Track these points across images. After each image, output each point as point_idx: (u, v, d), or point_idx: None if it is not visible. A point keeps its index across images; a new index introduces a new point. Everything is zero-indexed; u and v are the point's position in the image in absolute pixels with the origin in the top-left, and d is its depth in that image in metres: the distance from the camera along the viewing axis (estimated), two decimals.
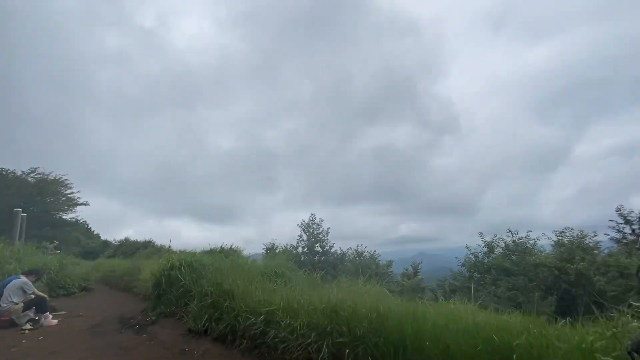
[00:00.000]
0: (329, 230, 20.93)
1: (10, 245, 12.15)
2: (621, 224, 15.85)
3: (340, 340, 4.06)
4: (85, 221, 35.87)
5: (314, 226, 20.92)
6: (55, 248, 16.36)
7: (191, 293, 6.45)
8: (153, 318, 6.79)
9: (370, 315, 4.31)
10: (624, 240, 15.52)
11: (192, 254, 8.06)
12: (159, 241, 24.55)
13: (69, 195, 31.91)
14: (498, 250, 14.32)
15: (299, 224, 21.37)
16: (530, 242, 14.20)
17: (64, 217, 33.01)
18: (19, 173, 29.42)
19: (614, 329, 3.56)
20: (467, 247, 15.96)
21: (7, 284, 7.04)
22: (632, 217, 15.52)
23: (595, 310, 4.44)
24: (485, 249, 15.53)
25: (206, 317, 5.63)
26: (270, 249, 19.99)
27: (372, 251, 19.90)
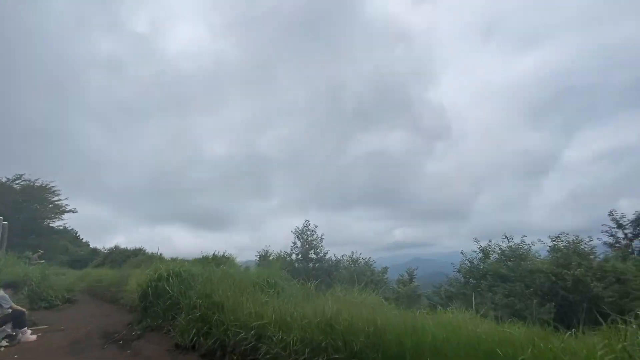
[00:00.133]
0: (324, 237, 20.67)
1: None
2: (614, 228, 15.96)
3: (336, 356, 3.83)
4: (73, 229, 34.98)
5: (308, 232, 20.63)
6: (40, 257, 15.78)
7: (179, 305, 6.14)
8: (138, 332, 6.45)
9: (368, 329, 4.09)
10: (617, 245, 15.60)
11: (181, 263, 7.74)
12: (150, 249, 23.95)
13: (56, 202, 31.13)
14: (494, 256, 14.22)
15: (293, 230, 21.08)
16: (525, 247, 14.15)
17: (50, 224, 32.17)
18: (4, 180, 28.64)
19: (624, 342, 3.40)
20: (462, 253, 15.82)
21: None
22: (625, 221, 15.64)
23: (601, 320, 4.29)
24: (480, 255, 15.42)
25: (194, 331, 5.34)
26: (264, 256, 19.63)
27: (367, 258, 19.66)
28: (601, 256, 12.27)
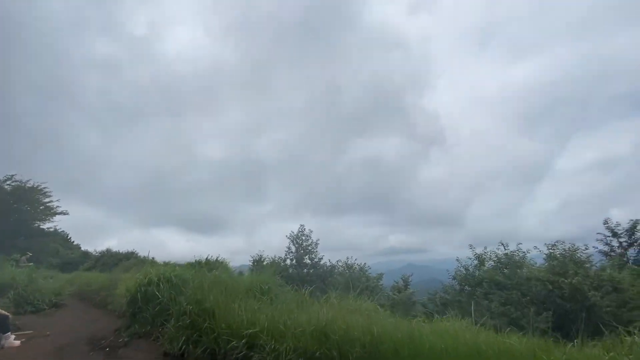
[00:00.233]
0: (319, 242, 20.47)
1: None
2: (609, 236, 16.00)
3: None
4: (63, 231, 34.37)
5: (303, 237, 20.41)
6: (28, 260, 15.41)
7: (169, 311, 5.93)
8: (126, 339, 6.23)
9: (364, 338, 3.95)
10: (613, 253, 15.62)
11: (172, 267, 7.52)
12: (143, 252, 23.55)
13: (47, 204, 30.61)
14: (490, 264, 14.12)
15: (288, 235, 20.86)
16: (521, 254, 14.07)
17: (41, 226, 31.58)
18: None
19: (629, 355, 3.29)
20: (457, 260, 15.70)
21: None
22: (619, 230, 15.68)
23: (604, 330, 4.19)
24: (475, 262, 15.31)
25: (183, 338, 5.14)
26: (258, 261, 19.38)
27: (362, 264, 19.49)
28: (597, 265, 12.24)
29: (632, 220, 15.42)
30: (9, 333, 6.64)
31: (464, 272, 15.25)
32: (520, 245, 14.38)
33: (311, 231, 20.64)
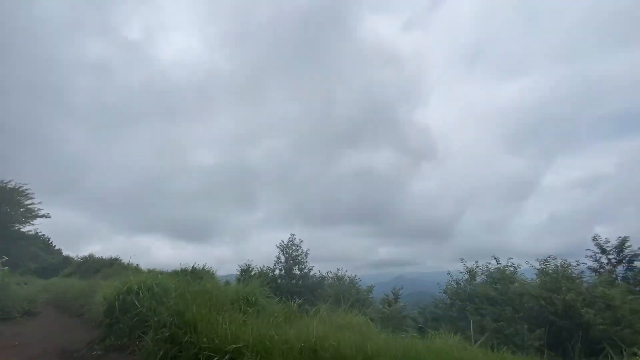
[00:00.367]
0: (309, 252, 20.08)
1: None
2: (598, 253, 16.01)
3: None
4: (44, 235, 33.20)
5: (293, 247, 20.00)
6: (3, 264, 14.66)
7: (147, 323, 5.54)
8: (99, 352, 5.79)
9: (356, 357, 3.68)
10: (602, 270, 15.62)
11: (154, 275, 7.12)
12: (127, 259, 22.82)
13: (28, 206, 29.56)
14: (482, 278, 13.98)
15: (278, 244, 20.43)
16: (511, 269, 13.99)
17: (21, 229, 30.43)
18: None
19: None
20: (449, 274, 15.55)
21: None
22: (609, 246, 15.72)
23: (610, 351, 4.03)
24: (466, 276, 15.17)
25: (162, 352, 4.77)
26: (246, 271, 18.88)
27: (353, 276, 19.16)
28: (588, 281, 12.18)
29: (620, 237, 15.51)
30: None
31: (455, 286, 15.09)
32: (511, 260, 14.34)
33: (301, 241, 20.28)
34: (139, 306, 5.90)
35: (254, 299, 6.15)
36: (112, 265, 21.55)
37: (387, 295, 17.99)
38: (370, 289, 19.24)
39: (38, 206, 30.15)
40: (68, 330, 8.14)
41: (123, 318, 6.07)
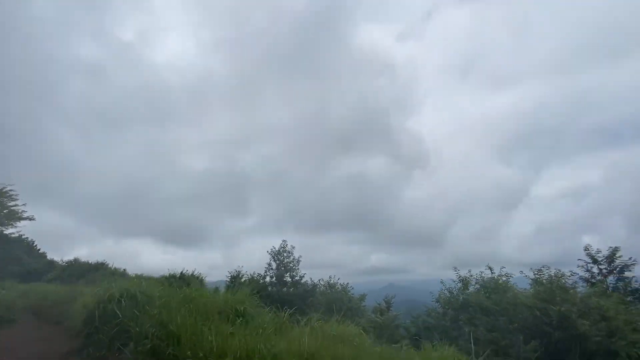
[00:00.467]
0: (300, 259, 19.76)
1: None
2: (590, 263, 16.09)
3: None
4: (28, 238, 32.20)
5: (285, 254, 19.66)
6: None
7: (129, 334, 5.22)
8: None
9: None
10: (593, 280, 15.68)
11: (138, 282, 6.78)
12: (115, 264, 22.26)
13: (12, 208, 28.65)
14: (476, 287, 13.84)
15: (269, 250, 20.07)
16: (504, 278, 13.90)
17: (4, 232, 29.46)
18: None
19: None
20: (442, 282, 15.40)
21: None
22: (600, 257, 15.82)
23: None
24: (459, 285, 15.04)
25: None
26: (236, 278, 18.46)
27: (345, 284, 18.88)
28: (581, 291, 12.14)
29: (611, 247, 15.62)
30: None
31: (448, 295, 14.93)
32: (503, 269, 14.27)
33: (293, 247, 19.96)
34: (120, 315, 5.56)
35: (242, 308, 5.88)
36: (98, 270, 20.93)
37: (379, 304, 17.75)
38: (362, 298, 18.97)
39: (22, 208, 29.26)
40: (45, 340, 7.72)
41: (103, 328, 5.72)
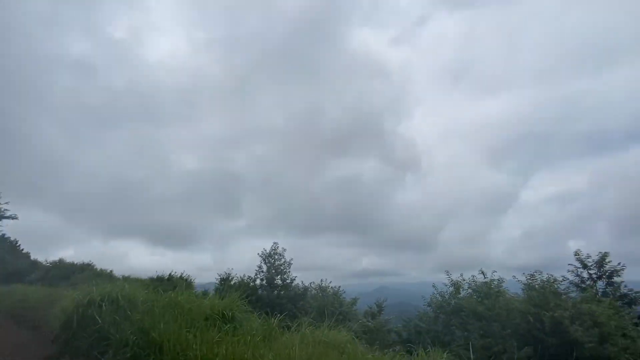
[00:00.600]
0: (292, 262, 19.46)
1: None
2: (580, 268, 16.15)
3: None
4: (10, 237, 31.23)
5: (276, 256, 19.33)
6: None
7: (108, 341, 4.93)
8: None
9: None
10: (583, 285, 15.74)
11: (121, 286, 6.45)
12: (102, 265, 21.79)
13: None
14: (469, 292, 13.74)
15: (260, 252, 19.72)
16: (496, 282, 13.83)
17: None
18: None
19: None
20: (434, 286, 15.25)
21: None
22: (590, 262, 15.88)
23: None
24: (451, 289, 14.91)
25: None
26: (225, 280, 18.09)
27: (337, 287, 18.61)
28: (572, 296, 12.13)
29: (601, 252, 15.69)
30: None
31: (440, 299, 14.80)
32: (495, 274, 14.20)
33: (284, 249, 19.65)
34: (99, 321, 5.25)
35: (230, 313, 5.63)
36: (84, 271, 20.35)
37: (370, 308, 17.56)
38: (354, 301, 18.74)
39: (5, 206, 28.37)
40: (21, 346, 7.32)
41: (81, 334, 5.41)
